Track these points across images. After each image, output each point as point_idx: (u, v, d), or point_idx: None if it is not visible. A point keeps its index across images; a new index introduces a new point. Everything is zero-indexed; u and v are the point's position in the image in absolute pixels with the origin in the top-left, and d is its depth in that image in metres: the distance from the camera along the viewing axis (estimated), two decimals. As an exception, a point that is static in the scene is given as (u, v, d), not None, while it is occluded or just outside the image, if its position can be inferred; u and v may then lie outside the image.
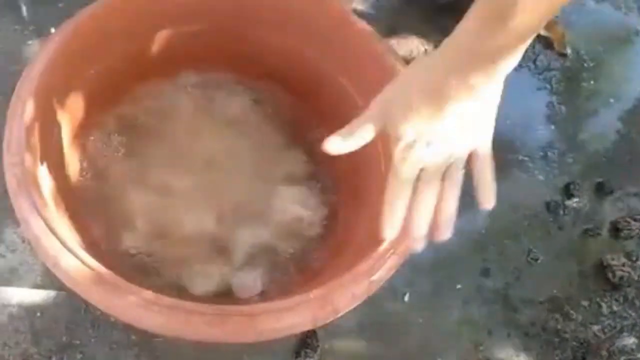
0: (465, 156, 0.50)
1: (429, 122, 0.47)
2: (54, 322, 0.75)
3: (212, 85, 0.80)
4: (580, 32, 1.08)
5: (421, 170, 0.49)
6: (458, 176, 0.50)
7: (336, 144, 0.50)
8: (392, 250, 0.56)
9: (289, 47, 0.74)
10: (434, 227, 0.50)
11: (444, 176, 0.50)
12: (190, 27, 0.73)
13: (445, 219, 0.50)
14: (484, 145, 0.50)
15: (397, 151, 0.49)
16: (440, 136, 0.48)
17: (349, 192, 0.73)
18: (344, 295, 0.55)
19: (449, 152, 0.49)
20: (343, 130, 0.50)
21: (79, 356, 0.73)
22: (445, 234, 0.51)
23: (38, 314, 0.75)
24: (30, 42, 0.91)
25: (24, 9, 0.93)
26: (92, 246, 0.61)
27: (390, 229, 0.51)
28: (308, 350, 0.76)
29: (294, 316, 0.54)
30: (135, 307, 0.51)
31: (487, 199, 0.51)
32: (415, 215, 0.50)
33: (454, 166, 0.50)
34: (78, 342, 0.74)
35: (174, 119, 0.77)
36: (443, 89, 0.46)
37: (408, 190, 0.50)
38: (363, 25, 0.69)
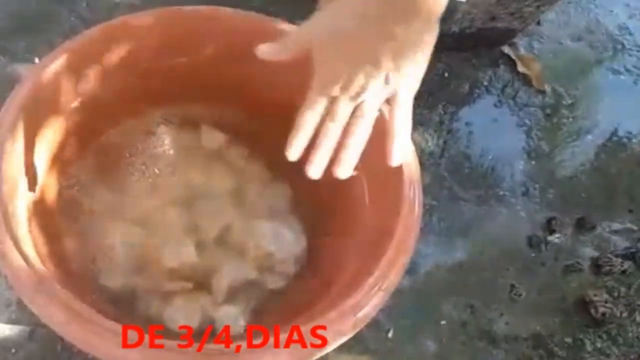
0: (380, 95, 0.49)
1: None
2: (29, 359, 0.72)
3: (194, 118, 0.80)
4: (558, 69, 1.11)
5: (334, 99, 0.49)
6: (369, 114, 0.49)
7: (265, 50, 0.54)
8: (378, 287, 0.56)
9: (278, 84, 0.74)
10: (335, 161, 0.49)
11: (355, 113, 0.49)
12: (171, 61, 0.73)
13: (347, 155, 0.49)
14: (405, 93, 0.49)
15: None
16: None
17: (335, 227, 0.72)
18: (329, 332, 0.54)
19: (363, 84, 0.48)
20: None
21: (53, 395, 0.71)
22: (345, 171, 0.49)
23: (12, 350, 0.73)
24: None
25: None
26: (70, 281, 0.59)
27: (293, 149, 0.50)
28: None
29: (277, 355, 0.52)
30: (115, 345, 0.50)
31: (392, 153, 0.49)
32: (318, 142, 0.49)
33: (367, 103, 0.49)
34: (53, 380, 0.72)
35: (155, 152, 0.76)
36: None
37: (322, 110, 0.49)
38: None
